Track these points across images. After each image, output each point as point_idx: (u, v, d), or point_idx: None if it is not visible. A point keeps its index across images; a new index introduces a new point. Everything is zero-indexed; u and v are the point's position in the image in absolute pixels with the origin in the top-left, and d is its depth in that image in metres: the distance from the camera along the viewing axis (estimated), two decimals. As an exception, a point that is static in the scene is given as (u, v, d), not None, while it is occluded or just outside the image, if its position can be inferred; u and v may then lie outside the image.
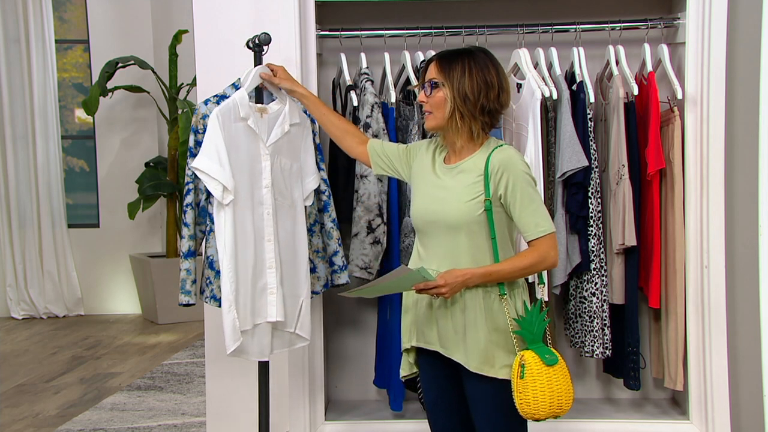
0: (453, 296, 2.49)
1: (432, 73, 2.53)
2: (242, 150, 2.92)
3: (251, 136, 2.94)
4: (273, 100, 3.04)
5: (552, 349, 2.47)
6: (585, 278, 3.39)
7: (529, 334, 2.45)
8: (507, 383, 2.48)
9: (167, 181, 6.97)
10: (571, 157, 3.24)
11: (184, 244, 3.03)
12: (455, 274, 2.45)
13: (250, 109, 2.93)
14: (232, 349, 2.89)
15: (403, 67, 3.45)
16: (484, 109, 2.50)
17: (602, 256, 3.37)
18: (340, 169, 3.48)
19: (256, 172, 2.95)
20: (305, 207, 3.11)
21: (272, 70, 2.98)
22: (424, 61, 3.38)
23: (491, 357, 2.50)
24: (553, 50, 3.41)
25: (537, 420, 2.46)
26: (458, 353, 2.53)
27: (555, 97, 3.29)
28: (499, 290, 2.50)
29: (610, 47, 3.42)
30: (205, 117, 2.93)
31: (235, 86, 2.99)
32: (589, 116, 3.34)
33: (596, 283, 3.36)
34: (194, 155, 2.92)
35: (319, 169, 3.16)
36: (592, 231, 3.34)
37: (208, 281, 3.03)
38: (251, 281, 2.92)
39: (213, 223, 2.94)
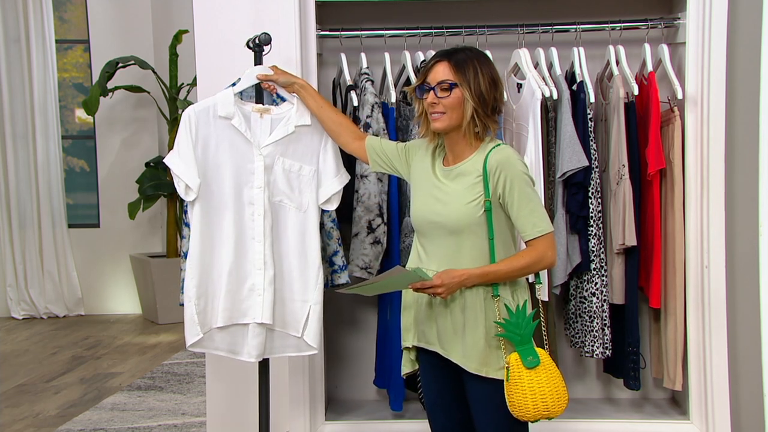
0: (452, 295, 2.50)
1: (444, 73, 2.49)
2: (224, 149, 2.93)
3: (238, 135, 2.94)
4: (274, 101, 3.04)
5: (540, 350, 2.47)
6: (585, 278, 3.39)
7: (516, 336, 2.45)
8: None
9: (167, 181, 6.97)
10: (572, 157, 3.24)
11: (185, 244, 3.04)
12: (452, 275, 2.45)
13: (235, 109, 2.93)
14: (189, 343, 2.95)
15: (404, 67, 3.45)
16: (494, 108, 2.51)
17: (602, 256, 3.37)
18: (340, 169, 3.48)
19: (245, 171, 2.95)
20: (322, 212, 3.08)
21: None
22: (424, 61, 3.38)
23: (490, 358, 2.50)
24: (554, 50, 3.41)
25: (529, 421, 2.48)
26: (456, 354, 2.53)
27: (555, 97, 3.29)
28: (493, 291, 2.51)
29: (611, 47, 3.42)
30: None
31: (234, 86, 2.99)
32: (589, 116, 3.34)
33: (596, 283, 3.36)
34: None
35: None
36: (592, 231, 3.34)
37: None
38: (230, 279, 2.92)
39: None
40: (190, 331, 2.94)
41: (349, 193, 3.33)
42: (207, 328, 2.95)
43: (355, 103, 3.39)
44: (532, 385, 2.42)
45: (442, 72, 2.50)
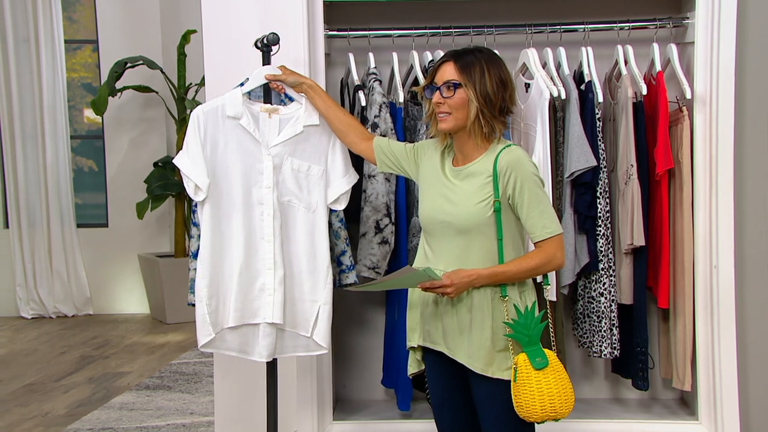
0: (459, 295, 2.50)
1: (450, 73, 2.50)
2: (232, 149, 2.93)
3: (246, 135, 2.94)
4: (282, 101, 3.04)
5: (548, 351, 2.46)
6: (593, 278, 3.39)
7: (525, 337, 2.45)
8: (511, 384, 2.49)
9: (176, 180, 6.99)
10: (580, 157, 3.24)
11: (194, 244, 3.04)
12: (461, 275, 2.45)
13: (243, 109, 2.93)
14: (202, 343, 2.95)
15: (411, 67, 3.45)
16: (503, 109, 2.51)
17: (611, 256, 3.36)
18: (348, 169, 3.48)
19: (254, 171, 2.95)
20: (330, 211, 3.07)
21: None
22: (432, 61, 3.38)
23: (496, 358, 2.50)
24: (562, 50, 3.41)
25: (536, 422, 2.47)
26: (462, 354, 2.53)
27: (563, 97, 3.28)
28: (501, 291, 2.51)
29: (619, 47, 3.41)
30: None
31: (243, 86, 3.00)
32: (597, 116, 3.33)
33: (604, 283, 3.36)
34: None
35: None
36: (600, 231, 3.34)
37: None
38: (241, 279, 2.93)
39: None
40: (202, 331, 2.94)
41: (357, 192, 3.33)
42: (219, 329, 2.95)
43: (363, 103, 3.39)
44: (540, 385, 2.42)
45: (448, 72, 2.51)
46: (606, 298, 3.36)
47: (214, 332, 2.94)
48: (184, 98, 7.01)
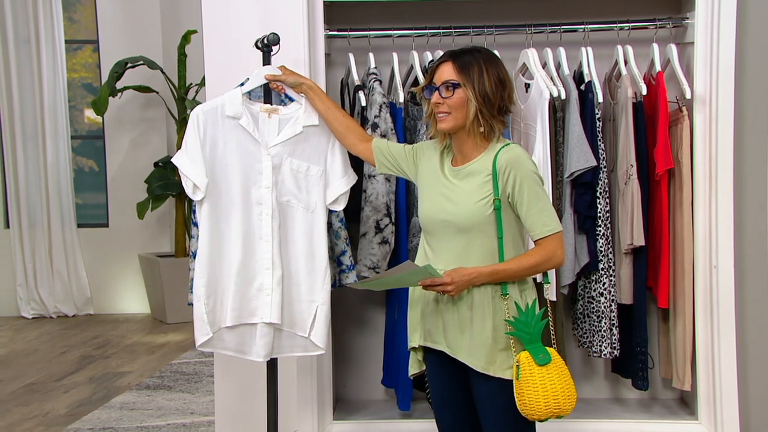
0: (459, 293, 2.50)
1: (448, 73, 2.51)
2: (232, 149, 2.94)
3: (245, 135, 2.95)
4: (282, 102, 3.05)
5: (550, 349, 2.46)
6: (593, 278, 3.39)
7: (526, 335, 2.45)
8: (512, 383, 2.48)
9: (176, 180, 6.98)
10: (579, 157, 3.24)
11: (194, 244, 3.04)
12: (462, 273, 2.45)
13: (243, 109, 2.94)
14: (199, 343, 2.95)
15: (412, 67, 3.46)
16: (501, 109, 2.51)
17: (610, 256, 3.36)
18: (348, 169, 3.48)
19: (253, 171, 2.95)
20: (330, 211, 3.07)
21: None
22: (432, 61, 3.38)
23: (497, 357, 2.50)
24: (562, 50, 3.41)
25: (539, 420, 2.47)
26: (463, 353, 2.53)
27: (563, 97, 3.29)
28: (501, 290, 2.51)
29: (619, 47, 3.41)
30: None
31: (243, 86, 3.00)
32: (597, 116, 3.34)
33: (604, 283, 3.36)
34: None
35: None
36: (600, 231, 3.34)
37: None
38: (239, 279, 2.93)
39: None
40: (200, 330, 2.94)
41: (357, 193, 3.33)
42: (216, 328, 2.95)
43: (363, 103, 3.39)
44: (543, 382, 2.42)
45: (446, 72, 2.51)
46: (606, 298, 3.36)
47: (212, 331, 2.94)
48: (184, 98, 7.02)
